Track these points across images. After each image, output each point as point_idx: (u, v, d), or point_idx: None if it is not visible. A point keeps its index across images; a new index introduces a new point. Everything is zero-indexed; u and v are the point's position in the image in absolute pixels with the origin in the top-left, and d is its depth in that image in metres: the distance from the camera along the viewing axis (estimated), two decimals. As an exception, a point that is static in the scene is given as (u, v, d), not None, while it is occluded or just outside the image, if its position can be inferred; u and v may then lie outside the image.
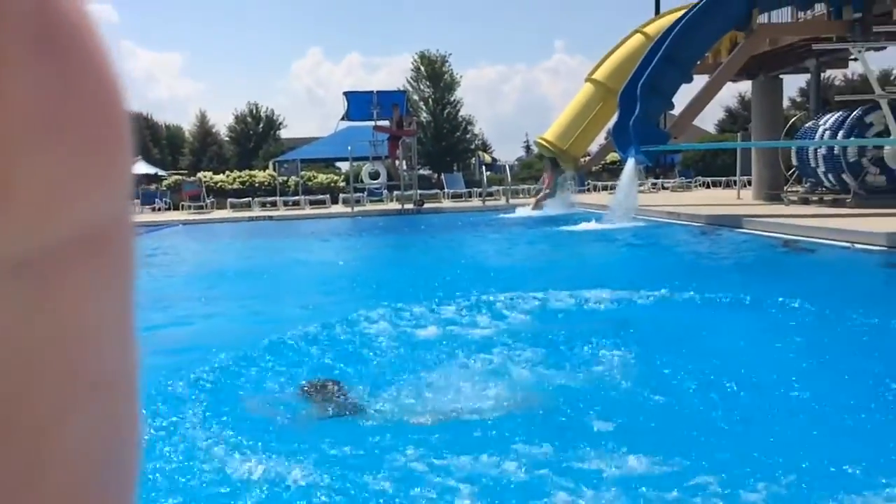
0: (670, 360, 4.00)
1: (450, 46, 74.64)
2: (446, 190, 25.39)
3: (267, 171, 28.72)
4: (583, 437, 2.83)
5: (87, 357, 0.19)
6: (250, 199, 23.51)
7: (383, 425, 3.08)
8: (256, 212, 22.19)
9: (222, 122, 47.50)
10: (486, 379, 3.66)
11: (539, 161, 29.33)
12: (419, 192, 21.65)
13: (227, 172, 27.77)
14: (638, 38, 16.86)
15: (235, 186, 25.95)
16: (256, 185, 26.31)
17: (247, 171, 27.89)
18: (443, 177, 27.79)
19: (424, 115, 35.79)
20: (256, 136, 41.74)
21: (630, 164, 13.54)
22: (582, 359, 4.01)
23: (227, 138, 43.23)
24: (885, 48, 13.66)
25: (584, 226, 12.89)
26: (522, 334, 4.63)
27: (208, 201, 23.63)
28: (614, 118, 14.52)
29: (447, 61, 36.86)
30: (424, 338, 4.62)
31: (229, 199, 23.68)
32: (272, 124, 43.21)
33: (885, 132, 9.56)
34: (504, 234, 13.22)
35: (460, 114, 37.08)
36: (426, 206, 20.89)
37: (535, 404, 3.27)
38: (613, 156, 22.50)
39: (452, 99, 36.93)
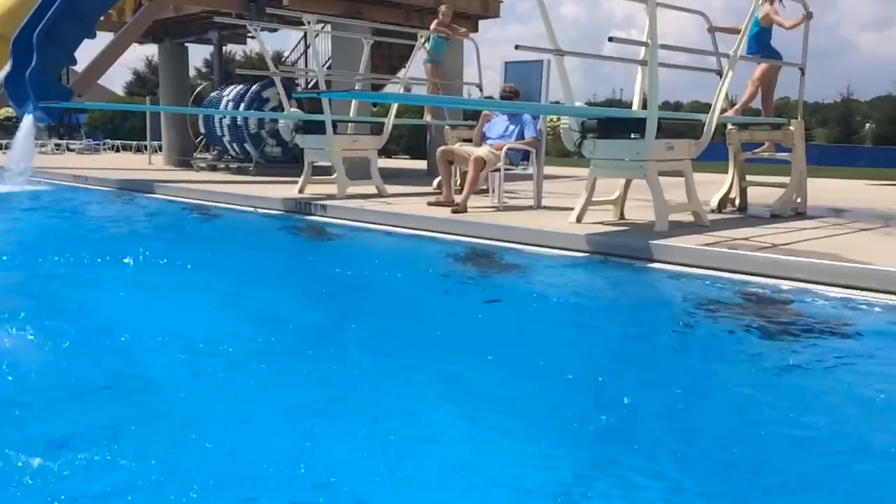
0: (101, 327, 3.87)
1: None
2: None
3: None
4: None
5: None
6: None
7: None
8: None
9: None
10: None
11: None
12: None
13: None
14: (32, -19, 15.21)
15: None
16: None
17: None
18: None
19: None
20: None
21: (27, 120, 12.25)
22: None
23: None
24: (277, 30, 15.17)
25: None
26: None
27: None
28: (6, 68, 12.88)
29: None
30: None
31: None
32: None
33: (280, 107, 10.70)
34: None
35: None
36: None
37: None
38: (8, 111, 20.00)
39: None
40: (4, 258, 5.76)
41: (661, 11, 6.08)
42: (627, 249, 5.57)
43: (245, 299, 4.69)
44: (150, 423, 2.70)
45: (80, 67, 13.67)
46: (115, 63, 13.82)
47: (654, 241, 5.47)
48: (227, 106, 13.79)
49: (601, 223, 6.49)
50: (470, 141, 8.78)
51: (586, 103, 9.91)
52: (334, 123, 9.32)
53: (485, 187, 8.59)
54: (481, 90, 11.18)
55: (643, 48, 6.28)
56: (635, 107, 6.78)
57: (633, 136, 6.22)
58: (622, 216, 6.91)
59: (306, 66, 16.18)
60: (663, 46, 6.21)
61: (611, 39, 5.94)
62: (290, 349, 3.60)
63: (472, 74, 11.80)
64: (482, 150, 7.92)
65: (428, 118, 11.52)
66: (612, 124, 6.44)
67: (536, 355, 3.45)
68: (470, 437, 2.59)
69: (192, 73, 23.74)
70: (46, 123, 14.63)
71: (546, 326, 4.06)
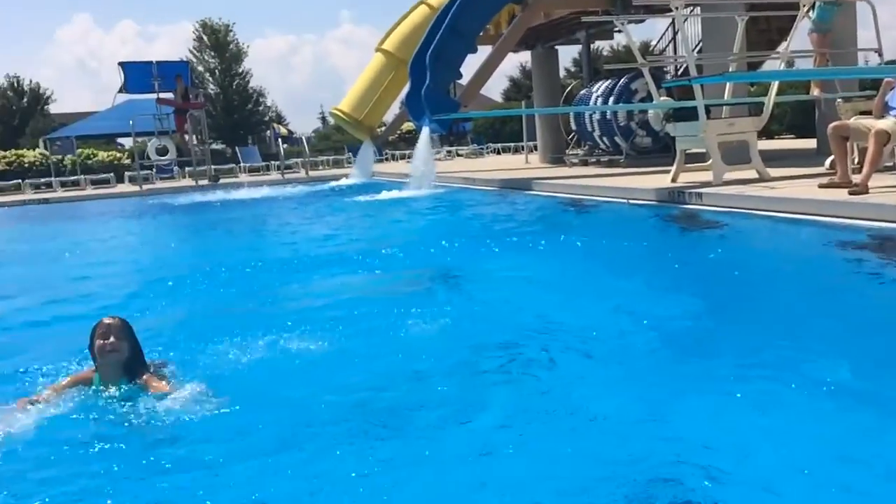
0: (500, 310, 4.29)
1: (232, 15, 71.51)
2: (242, 164, 24.56)
3: (37, 150, 26.07)
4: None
5: None
6: (20, 181, 21.30)
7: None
8: (29, 195, 20.15)
9: (-24, 98, 42.36)
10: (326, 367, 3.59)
11: (337, 132, 29.14)
12: (213, 167, 20.75)
13: (-9, 154, 24.91)
14: (423, 9, 17.20)
15: (1, 168, 23.38)
16: (26, 165, 23.85)
17: (13, 151, 25.17)
18: (237, 150, 26.83)
19: (212, 86, 34.24)
20: (21, 111, 37.62)
21: (425, 132, 13.88)
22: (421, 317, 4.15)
23: (-16, 115, 38.63)
24: (644, 21, 15.05)
25: (388, 194, 13.07)
26: (350, 305, 4.71)
27: (-29, 186, 21.12)
28: (406, 88, 14.77)
29: (231, 30, 35.36)
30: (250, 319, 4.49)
31: (-4, 183, 21.32)
32: (39, 99, 39.11)
33: (649, 97, 10.60)
34: (312, 206, 13.11)
35: (250, 85, 35.85)
36: (222, 181, 20.09)
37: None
38: (408, 125, 22.91)
39: (241, 70, 35.59)
40: (413, 251, 6.63)
41: None
42: None
43: (618, 290, 4.74)
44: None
45: (464, 81, 15.12)
46: (494, 73, 14.98)
47: None
48: (596, 102, 14.08)
49: None
50: (868, 113, 7.74)
51: None
52: (707, 108, 8.93)
53: (890, 164, 7.51)
54: (881, 56, 9.78)
55: None
56: None
57: None
58: None
59: (675, 52, 15.77)
60: None
61: None
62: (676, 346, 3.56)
63: (868, 39, 10.37)
64: (886, 123, 6.93)
65: (816, 92, 10.41)
66: None
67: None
68: None
69: (561, 73, 24.68)
70: (439, 134, 16.43)
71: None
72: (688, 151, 9.48)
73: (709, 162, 8.95)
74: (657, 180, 9.45)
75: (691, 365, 3.23)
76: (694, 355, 3.36)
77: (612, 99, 13.62)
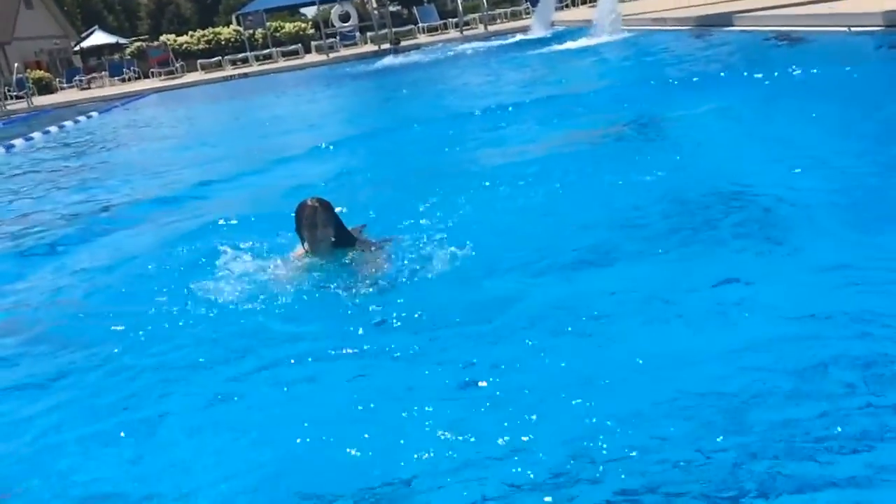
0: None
1: None
2: (420, 25, 24.44)
3: (231, 26, 27.48)
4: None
5: None
6: (220, 58, 22.69)
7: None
8: (229, 70, 21.48)
9: (173, -20, 44.92)
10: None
11: (513, -19, 27.92)
12: (393, 30, 20.83)
13: (191, 33, 26.61)
14: None
15: (202, 47, 24.98)
16: (223, 42, 25.29)
17: (210, 30, 26.72)
18: (415, 11, 26.65)
19: (385, -55, 33.74)
20: (213, -11, 39.62)
21: (611, -28, 12.96)
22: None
23: (182, -4, 41.12)
24: None
25: (573, 44, 12.50)
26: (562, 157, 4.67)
27: (177, 65, 22.84)
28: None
29: None
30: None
31: (199, 61, 22.88)
32: (227, -26, 40.84)
33: None
34: (496, 62, 12.91)
35: (422, -61, 34.97)
36: (402, 43, 20.17)
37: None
38: (590, -34, 21.44)
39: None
40: (606, 102, 6.34)
41: None
42: None
43: (837, 138, 4.26)
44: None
45: None
46: None
47: None
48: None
49: None
50: None
51: None
52: None
53: None
54: None
55: None
56: None
57: None
58: None
59: None
60: None
61: None
62: None
63: None
64: None
65: None
66: None
67: None
68: None
69: None
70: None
71: None
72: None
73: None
74: (885, 1, 8.22)
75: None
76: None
77: None
